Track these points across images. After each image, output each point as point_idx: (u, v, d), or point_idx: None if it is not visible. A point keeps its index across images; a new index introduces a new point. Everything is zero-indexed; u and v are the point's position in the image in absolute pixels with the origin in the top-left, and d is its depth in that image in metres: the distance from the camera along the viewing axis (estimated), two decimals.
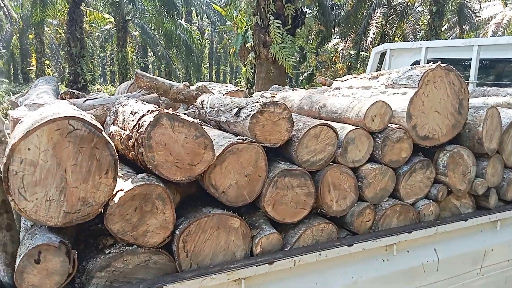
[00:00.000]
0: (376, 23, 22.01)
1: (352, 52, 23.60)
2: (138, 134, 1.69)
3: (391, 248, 2.22)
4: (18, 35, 29.91)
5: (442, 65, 2.30)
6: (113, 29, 27.75)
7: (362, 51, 22.64)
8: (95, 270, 1.62)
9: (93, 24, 24.59)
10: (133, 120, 1.87)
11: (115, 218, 1.62)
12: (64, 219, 1.55)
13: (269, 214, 1.99)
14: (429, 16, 20.63)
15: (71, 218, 1.56)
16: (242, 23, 9.90)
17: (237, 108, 2.10)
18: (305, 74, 24.55)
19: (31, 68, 28.33)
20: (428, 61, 4.47)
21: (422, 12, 25.35)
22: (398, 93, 2.33)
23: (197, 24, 35.35)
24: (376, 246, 2.13)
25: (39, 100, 2.62)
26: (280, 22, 8.76)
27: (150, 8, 21.91)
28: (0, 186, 1.52)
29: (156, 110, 1.74)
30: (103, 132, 1.58)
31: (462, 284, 2.48)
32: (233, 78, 45.83)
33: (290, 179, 1.98)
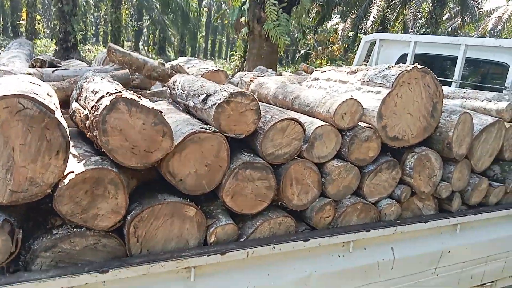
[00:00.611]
0: (378, 6, 21.70)
1: (351, 34, 23.32)
2: (93, 117, 1.64)
3: (348, 245, 2.24)
4: None
5: (419, 67, 2.27)
6: None
7: (361, 33, 22.35)
8: (40, 250, 1.60)
9: None
10: (92, 100, 1.81)
11: (64, 200, 1.59)
12: (10, 198, 1.51)
13: (227, 205, 1.98)
14: (430, 4, 20.37)
15: (17, 197, 1.53)
16: None
17: (205, 95, 2.05)
18: (301, 52, 24.24)
19: (21, 22, 27.46)
20: (416, 55, 4.42)
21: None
22: (372, 92, 2.30)
23: None
24: (332, 242, 2.15)
25: (7, 67, 2.53)
26: None
27: None
28: None
29: (115, 93, 1.69)
30: (55, 113, 1.53)
31: (416, 282, 2.54)
32: (229, 49, 45.12)
33: (251, 171, 1.97)
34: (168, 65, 2.82)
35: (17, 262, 1.61)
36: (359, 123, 2.24)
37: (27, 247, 1.63)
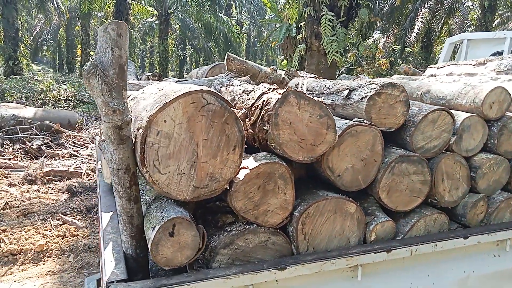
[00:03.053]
0: (422, 18, 21.30)
1: (395, 47, 22.95)
2: (264, 111, 1.64)
3: (503, 244, 2.08)
4: (65, 26, 30.96)
5: None
6: (155, 22, 28.26)
7: (406, 46, 21.95)
8: (219, 247, 1.59)
9: (137, 17, 25.11)
10: (248, 99, 1.83)
11: (239, 195, 1.59)
12: (193, 194, 1.53)
13: (382, 201, 1.90)
14: (480, 11, 19.76)
15: (199, 193, 1.54)
16: (294, 14, 9.77)
17: (348, 90, 2.02)
18: (342, 70, 24.06)
19: (76, 58, 29.28)
20: None
21: (471, 7, 24.30)
22: None
23: (236, 18, 35.42)
24: (491, 240, 2.01)
25: (134, 80, 2.63)
26: (333, 14, 8.56)
27: (192, 1, 22.15)
28: (132, 157, 1.51)
29: (279, 88, 1.69)
30: (233, 108, 1.55)
31: None
32: None
33: (407, 165, 1.89)
34: (280, 71, 2.84)
35: (197, 260, 1.60)
36: (507, 113, 2.12)
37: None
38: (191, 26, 27.59)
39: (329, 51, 8.67)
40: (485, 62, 2.45)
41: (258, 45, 35.92)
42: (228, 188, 1.59)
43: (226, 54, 2.72)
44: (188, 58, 40.15)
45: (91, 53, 27.47)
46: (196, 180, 1.52)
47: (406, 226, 1.93)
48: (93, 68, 1.38)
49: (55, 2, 26.65)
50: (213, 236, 1.63)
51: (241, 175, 1.58)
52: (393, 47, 23.54)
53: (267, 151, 1.73)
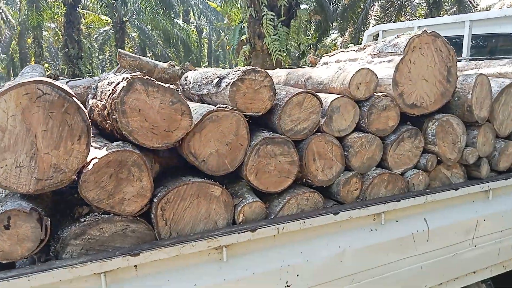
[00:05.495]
0: (374, 15, 21.94)
1: (351, 45, 23.55)
2: (112, 100, 1.65)
3: (379, 218, 2.17)
4: (17, 39, 29.91)
5: (428, 31, 2.25)
6: (111, 31, 27.78)
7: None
8: (70, 238, 1.58)
9: (91, 26, 24.63)
10: (108, 90, 1.83)
11: (90, 185, 1.58)
12: (36, 186, 1.51)
13: (252, 183, 1.95)
14: (426, 7, 20.54)
15: (43, 185, 1.52)
16: (237, 15, 9.85)
17: (218, 78, 2.06)
18: None
19: None
20: None
21: (419, 4, 25.26)
22: (384, 61, 2.28)
23: (195, 23, 35.30)
24: (363, 214, 2.09)
25: None
26: (274, 14, 8.71)
27: (147, 9, 21.91)
28: None
29: (130, 77, 1.70)
30: (74, 97, 1.55)
31: (454, 254, 2.43)
32: None
33: (272, 147, 1.94)
34: (177, 67, 2.85)
35: (48, 252, 1.59)
36: (375, 93, 2.21)
37: (56, 238, 1.61)
38: (148, 33, 27.29)
39: (272, 51, 8.80)
40: (365, 47, 2.56)
41: (219, 50, 35.92)
42: (77, 178, 1.58)
43: (118, 51, 2.71)
44: None
45: (45, 65, 26.70)
46: (38, 172, 1.50)
47: (278, 206, 1.98)
48: None
49: (3, 15, 25.74)
50: (66, 228, 1.62)
51: (90, 164, 1.58)
52: (348, 45, 24.16)
53: (125, 140, 1.74)
